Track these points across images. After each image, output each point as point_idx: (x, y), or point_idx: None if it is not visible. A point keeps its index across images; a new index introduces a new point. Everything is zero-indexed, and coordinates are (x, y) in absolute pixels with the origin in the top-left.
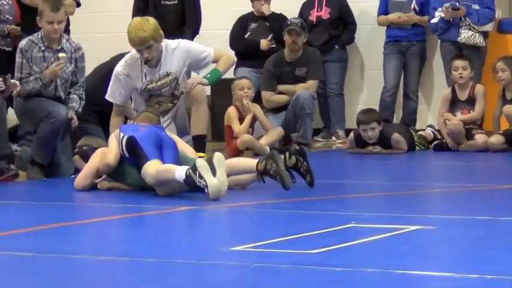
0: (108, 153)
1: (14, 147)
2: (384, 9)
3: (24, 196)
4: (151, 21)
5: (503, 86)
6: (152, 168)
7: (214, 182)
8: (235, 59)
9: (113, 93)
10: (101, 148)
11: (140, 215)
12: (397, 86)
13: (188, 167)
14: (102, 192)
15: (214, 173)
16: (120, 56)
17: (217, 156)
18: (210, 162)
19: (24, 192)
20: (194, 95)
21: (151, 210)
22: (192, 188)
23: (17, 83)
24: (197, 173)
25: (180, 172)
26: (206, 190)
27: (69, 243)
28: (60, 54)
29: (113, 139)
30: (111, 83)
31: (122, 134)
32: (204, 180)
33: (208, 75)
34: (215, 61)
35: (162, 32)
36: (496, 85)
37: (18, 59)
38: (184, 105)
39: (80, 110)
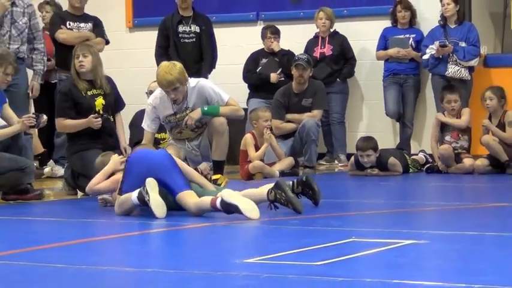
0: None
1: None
2: (382, 46)
3: (55, 213)
4: (177, 66)
5: (490, 112)
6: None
7: (158, 199)
8: (243, 116)
9: (148, 123)
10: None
11: (160, 231)
12: (398, 113)
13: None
14: None
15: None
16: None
17: (149, 181)
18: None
19: (54, 210)
20: (216, 127)
21: (171, 226)
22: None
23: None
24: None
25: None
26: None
27: (96, 256)
28: None
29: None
30: (145, 114)
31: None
32: (149, 196)
33: (206, 108)
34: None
35: (187, 75)
36: (481, 113)
37: None
38: (207, 135)
39: (45, 69)
